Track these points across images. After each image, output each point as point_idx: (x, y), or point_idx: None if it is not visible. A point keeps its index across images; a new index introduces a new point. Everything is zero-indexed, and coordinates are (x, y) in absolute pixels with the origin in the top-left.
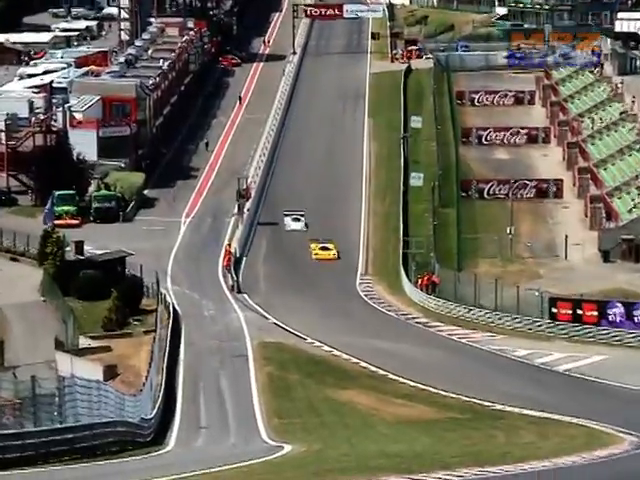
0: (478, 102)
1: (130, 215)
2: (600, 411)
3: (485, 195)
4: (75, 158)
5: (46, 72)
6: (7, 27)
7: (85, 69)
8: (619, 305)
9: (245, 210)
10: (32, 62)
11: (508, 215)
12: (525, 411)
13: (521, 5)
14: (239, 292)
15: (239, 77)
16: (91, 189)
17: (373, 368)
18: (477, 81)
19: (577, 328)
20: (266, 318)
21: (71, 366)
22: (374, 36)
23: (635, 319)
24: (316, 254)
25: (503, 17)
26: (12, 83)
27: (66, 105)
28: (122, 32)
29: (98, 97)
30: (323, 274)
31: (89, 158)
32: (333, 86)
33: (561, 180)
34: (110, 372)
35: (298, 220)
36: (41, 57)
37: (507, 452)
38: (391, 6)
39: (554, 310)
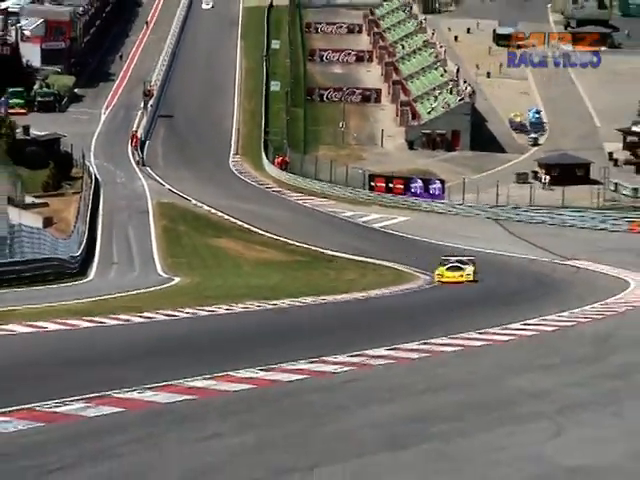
0: (321, 31)
1: (64, 107)
2: (402, 256)
3: (324, 99)
4: (24, 64)
5: (2, 0)
6: None
7: None
8: (419, 181)
9: (149, 105)
10: None
11: (341, 114)
12: (350, 256)
13: None
14: (143, 165)
15: (147, 7)
16: (35, 87)
17: (240, 223)
18: (320, 15)
19: (388, 197)
20: (163, 185)
21: (19, 217)
22: None
23: (430, 191)
24: (439, 275)
25: None
26: None
27: (18, 25)
28: None
29: (42, 20)
30: (204, 155)
31: (34, 64)
32: (216, 16)
33: (380, 89)
34: (48, 222)
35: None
36: None
37: (336, 285)
38: None
39: (372, 183)
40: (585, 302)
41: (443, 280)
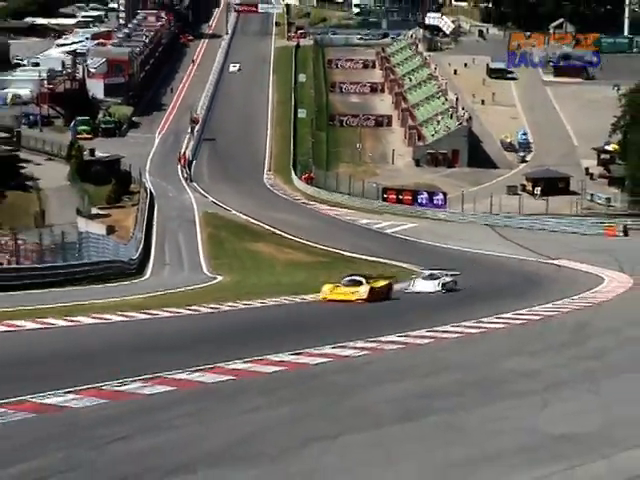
0: (340, 66)
1: (124, 132)
2: (410, 257)
3: (344, 124)
4: (90, 97)
5: (73, 43)
6: (48, 14)
7: (97, 41)
8: (425, 193)
9: (195, 131)
10: (64, 36)
11: (358, 136)
12: (366, 257)
13: (367, 6)
14: (191, 181)
15: (193, 48)
16: (99, 116)
17: (273, 229)
18: (340, 53)
19: (399, 207)
20: (207, 198)
21: (86, 225)
22: (277, 24)
23: (434, 202)
24: (330, 291)
25: (357, 14)
26: (52, 49)
27: (85, 64)
28: (120, 19)
29: (105, 59)
30: (242, 172)
31: (98, 97)
32: (251, 55)
33: (391, 115)
34: (110, 230)
35: (435, 278)
36: (70, 33)
37: None
38: (287, 5)
39: (385, 195)
40: (566, 295)
41: (329, 297)
